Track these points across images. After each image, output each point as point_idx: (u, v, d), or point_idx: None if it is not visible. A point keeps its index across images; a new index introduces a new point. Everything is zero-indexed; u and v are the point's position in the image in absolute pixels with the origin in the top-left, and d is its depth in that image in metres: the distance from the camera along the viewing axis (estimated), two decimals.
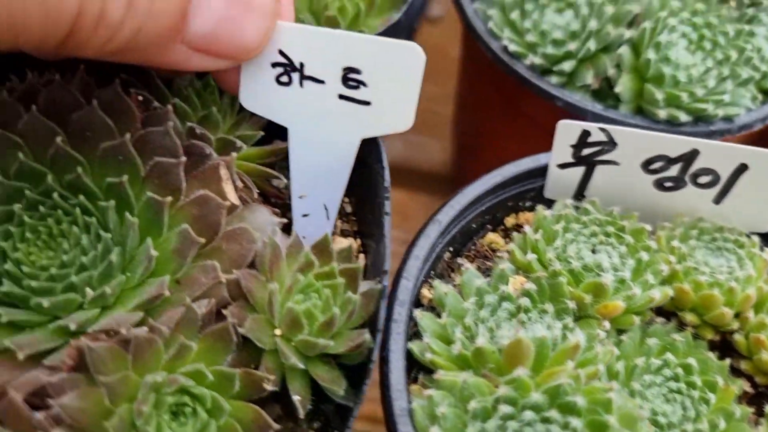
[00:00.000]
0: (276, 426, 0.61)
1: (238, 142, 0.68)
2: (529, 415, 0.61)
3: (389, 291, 0.68)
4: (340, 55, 0.66)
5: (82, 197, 0.64)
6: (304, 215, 0.75)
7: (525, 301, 0.69)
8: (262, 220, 0.69)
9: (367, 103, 0.68)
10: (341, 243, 0.76)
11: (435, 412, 0.63)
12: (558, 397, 0.62)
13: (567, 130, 0.72)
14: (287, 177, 0.75)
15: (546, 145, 0.76)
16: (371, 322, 0.66)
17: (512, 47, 0.87)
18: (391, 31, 0.82)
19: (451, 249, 0.76)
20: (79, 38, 0.54)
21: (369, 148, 0.72)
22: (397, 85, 0.66)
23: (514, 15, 0.87)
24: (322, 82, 0.67)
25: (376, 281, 0.68)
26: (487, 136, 1.03)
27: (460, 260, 0.77)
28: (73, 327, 0.59)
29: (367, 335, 0.63)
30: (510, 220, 0.80)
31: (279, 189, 0.77)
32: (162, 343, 0.59)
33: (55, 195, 0.64)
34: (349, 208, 0.78)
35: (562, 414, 0.61)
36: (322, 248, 0.66)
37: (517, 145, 0.91)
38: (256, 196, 0.70)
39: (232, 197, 0.67)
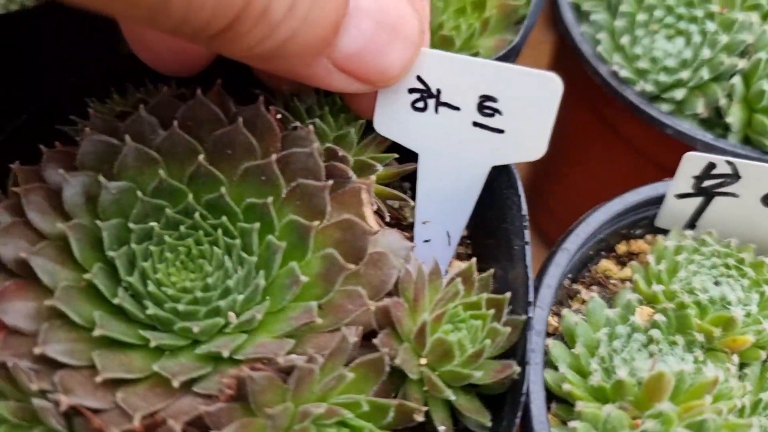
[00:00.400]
0: None
1: (377, 165, 0.67)
2: None
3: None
4: (477, 83, 0.65)
5: (224, 218, 0.63)
6: (425, 240, 0.74)
7: (655, 333, 0.69)
8: (397, 245, 0.68)
9: (501, 131, 0.67)
10: (458, 266, 0.75)
11: None
12: None
13: (692, 162, 0.72)
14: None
15: (641, 171, 0.76)
16: (510, 352, 0.66)
17: (623, 73, 0.87)
18: (508, 54, 0.81)
19: (569, 276, 0.76)
20: (238, 31, 0.53)
21: (496, 174, 0.71)
22: (532, 113, 0.66)
23: (625, 40, 0.87)
24: (457, 108, 0.67)
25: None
26: (575, 159, 1.03)
27: (576, 286, 0.77)
28: (225, 354, 0.58)
29: (515, 366, 0.63)
30: (621, 248, 0.80)
31: (397, 210, 0.76)
32: (319, 373, 0.58)
33: (197, 215, 0.63)
34: (464, 232, 0.78)
35: None
36: (465, 277, 0.66)
37: (608, 170, 0.91)
38: (388, 219, 0.69)
39: (372, 222, 0.66)
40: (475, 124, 0.67)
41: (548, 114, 0.65)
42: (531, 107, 0.65)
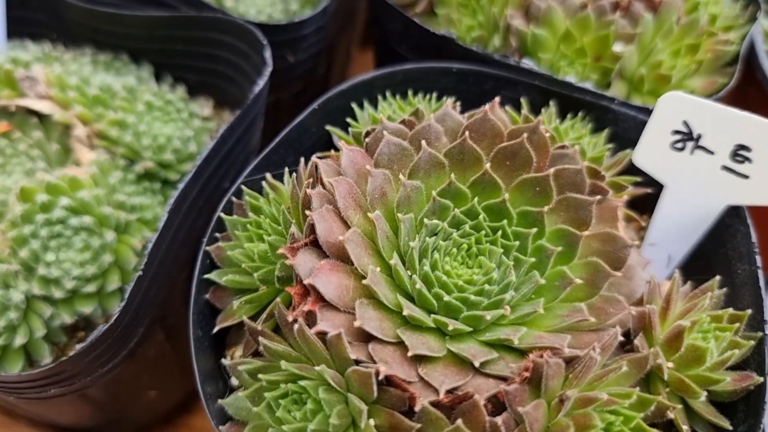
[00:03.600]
0: None
1: (628, 186, 0.75)
2: None
3: None
4: (736, 133, 0.73)
5: (504, 221, 0.70)
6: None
7: None
8: (637, 260, 0.75)
9: (746, 177, 0.75)
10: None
11: None
12: None
13: None
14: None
15: None
16: (743, 365, 0.72)
17: None
18: (717, 93, 0.89)
19: None
20: None
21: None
22: None
23: None
24: (711, 153, 0.74)
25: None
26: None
27: None
28: (515, 341, 0.65)
29: (758, 377, 0.70)
30: None
31: None
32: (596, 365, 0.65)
33: (480, 216, 0.70)
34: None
35: None
36: (706, 291, 0.73)
37: None
38: (637, 242, 0.77)
39: (625, 236, 0.74)
40: (724, 167, 0.75)
41: None
42: None
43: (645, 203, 0.83)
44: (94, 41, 0.90)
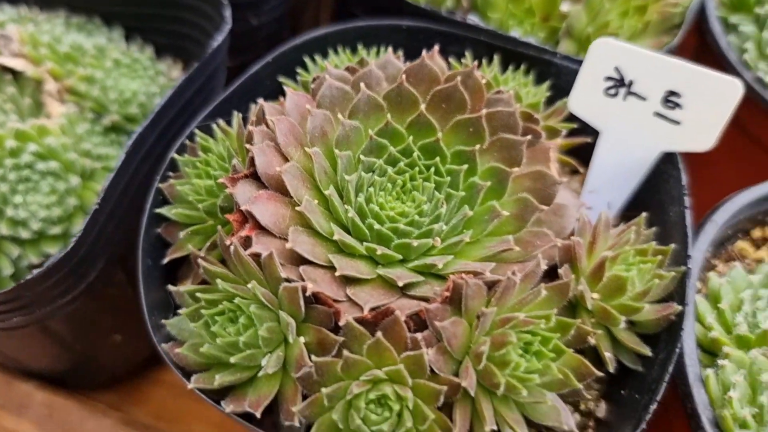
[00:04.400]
0: (599, 373, 0.69)
1: (562, 131, 0.78)
2: None
3: None
4: (667, 79, 0.76)
5: (437, 159, 0.74)
6: (588, 208, 0.84)
7: None
8: (571, 201, 0.78)
9: (677, 123, 0.78)
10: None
11: (729, 379, 0.72)
12: None
13: None
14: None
15: None
16: (667, 299, 0.75)
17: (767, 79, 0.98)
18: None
19: (709, 251, 0.85)
20: None
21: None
22: (709, 110, 0.76)
23: None
24: (643, 99, 0.78)
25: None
26: (704, 160, 1.12)
27: (714, 261, 0.86)
28: (440, 266, 0.69)
29: (677, 305, 0.72)
30: (756, 233, 0.90)
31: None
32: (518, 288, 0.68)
33: (415, 154, 0.74)
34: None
35: None
36: (636, 228, 0.76)
37: (738, 172, 1.00)
38: (565, 179, 0.80)
39: (555, 175, 0.77)
40: (657, 114, 0.78)
41: (724, 112, 0.76)
42: (710, 105, 0.76)
43: (589, 156, 0.86)
44: (68, 5, 0.96)
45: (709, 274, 0.81)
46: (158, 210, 0.76)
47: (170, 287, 0.73)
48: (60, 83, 0.86)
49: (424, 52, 0.77)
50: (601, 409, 0.78)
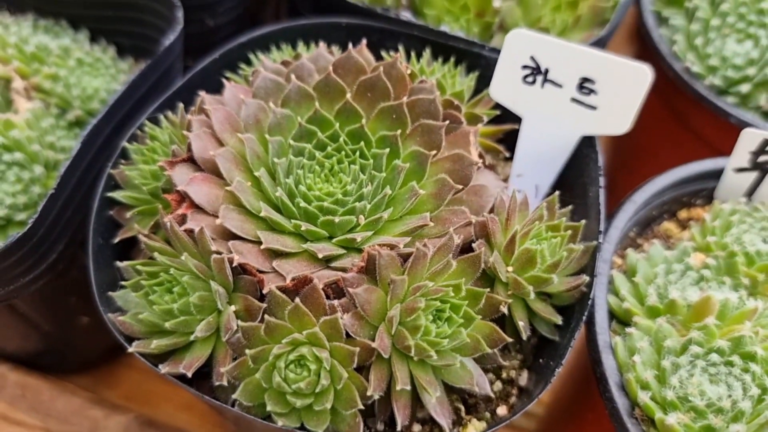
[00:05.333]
0: (509, 339, 0.74)
1: (484, 118, 0.84)
2: (715, 357, 0.74)
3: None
4: (580, 67, 0.81)
5: (362, 143, 0.80)
6: (518, 191, 0.89)
7: (706, 273, 0.82)
8: (493, 183, 0.84)
9: (594, 108, 0.83)
10: None
11: (635, 345, 0.76)
12: (740, 346, 0.75)
13: (749, 138, 0.86)
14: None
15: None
16: (580, 273, 0.80)
17: (694, 68, 1.02)
18: (594, 47, 0.97)
19: (634, 230, 0.90)
20: None
21: (580, 142, 0.87)
22: (622, 96, 0.81)
23: (699, 41, 1.02)
24: (560, 86, 0.83)
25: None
26: (646, 150, 1.17)
27: (639, 240, 0.91)
28: (358, 240, 0.74)
29: (585, 276, 0.77)
30: (683, 214, 0.94)
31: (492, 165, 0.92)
32: (429, 260, 0.74)
33: (341, 139, 0.80)
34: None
35: (743, 360, 0.74)
36: (549, 206, 0.81)
37: (677, 160, 1.05)
38: (487, 163, 0.85)
39: (472, 157, 0.82)
40: (573, 99, 0.83)
41: (636, 97, 0.81)
42: (623, 91, 0.81)
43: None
44: (36, 9, 1.03)
45: (627, 250, 0.86)
46: (109, 194, 0.83)
47: (117, 263, 0.79)
48: (27, 81, 0.93)
49: (350, 46, 0.83)
50: (523, 378, 0.82)
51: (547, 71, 0.82)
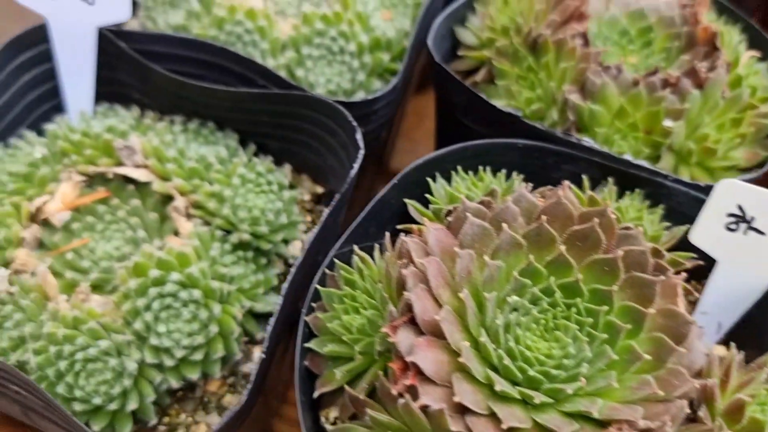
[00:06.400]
0: None
1: (686, 263, 0.83)
2: None
3: None
4: None
5: (577, 299, 0.78)
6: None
7: None
8: (695, 332, 0.83)
9: None
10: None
11: None
12: None
13: None
14: None
15: None
16: None
17: None
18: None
19: None
20: None
21: None
22: None
23: None
24: (762, 233, 0.82)
25: None
26: None
27: None
28: (595, 413, 0.73)
29: None
30: None
31: None
32: None
33: (557, 295, 0.78)
34: None
35: None
36: (762, 365, 0.81)
37: None
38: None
39: (686, 313, 0.81)
40: None
41: None
42: None
43: (696, 271, 0.91)
44: (178, 107, 0.96)
45: None
46: (308, 344, 0.79)
47: (327, 427, 0.76)
48: (186, 198, 0.87)
49: (559, 190, 0.80)
50: None
51: (752, 219, 0.82)
